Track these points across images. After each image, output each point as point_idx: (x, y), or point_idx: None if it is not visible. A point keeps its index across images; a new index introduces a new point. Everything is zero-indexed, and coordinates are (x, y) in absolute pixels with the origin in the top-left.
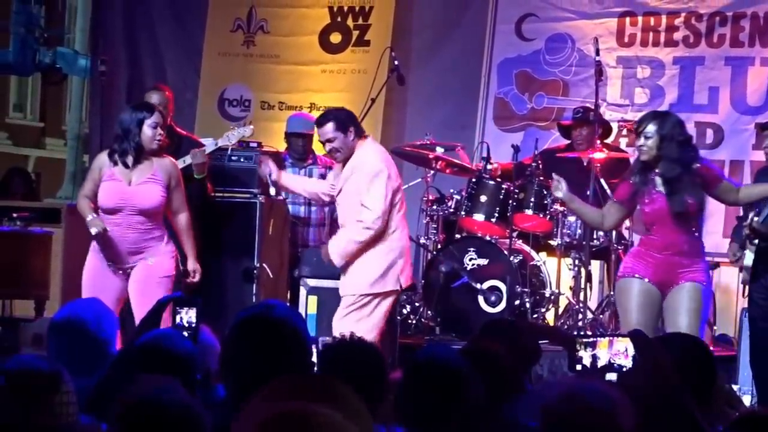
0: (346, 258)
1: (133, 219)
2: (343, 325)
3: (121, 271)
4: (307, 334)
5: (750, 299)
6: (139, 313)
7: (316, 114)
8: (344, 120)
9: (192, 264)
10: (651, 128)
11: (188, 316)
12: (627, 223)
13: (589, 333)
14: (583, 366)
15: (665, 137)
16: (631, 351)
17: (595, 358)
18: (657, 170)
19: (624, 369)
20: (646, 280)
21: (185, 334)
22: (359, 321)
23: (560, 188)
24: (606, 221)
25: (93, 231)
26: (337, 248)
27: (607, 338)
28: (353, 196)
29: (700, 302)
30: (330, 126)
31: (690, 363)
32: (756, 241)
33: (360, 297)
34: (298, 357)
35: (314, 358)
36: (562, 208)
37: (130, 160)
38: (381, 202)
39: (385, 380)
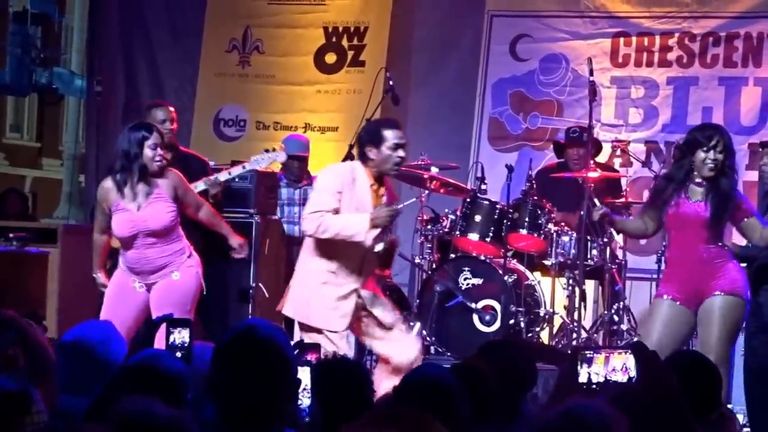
0: None
1: (149, 240)
2: None
3: (145, 287)
4: (290, 350)
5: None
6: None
7: (311, 134)
8: None
9: (234, 241)
10: None
11: (181, 336)
12: (620, 242)
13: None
14: (582, 383)
15: None
16: (629, 367)
17: (590, 375)
18: (696, 180)
19: (616, 383)
20: (677, 302)
21: (178, 354)
22: None
23: (604, 215)
24: (649, 227)
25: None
26: None
27: (603, 354)
28: None
29: (732, 312)
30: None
31: (694, 383)
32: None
33: None
34: (282, 374)
35: (300, 375)
36: (556, 228)
37: (133, 184)
38: None
39: (371, 397)
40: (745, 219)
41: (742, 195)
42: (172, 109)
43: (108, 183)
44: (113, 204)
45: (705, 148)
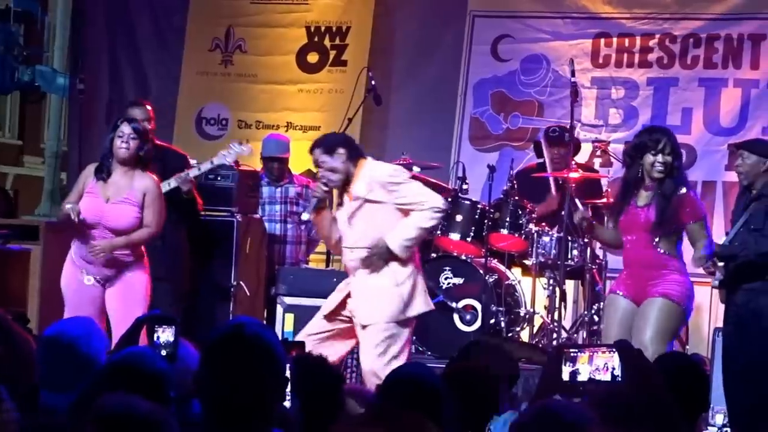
0: (407, 249)
1: (108, 236)
2: (381, 361)
3: (99, 283)
4: (280, 349)
5: (724, 318)
6: (118, 330)
7: (292, 133)
8: (331, 142)
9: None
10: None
11: (166, 334)
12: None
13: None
14: (565, 381)
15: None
16: (611, 366)
17: (575, 373)
18: (645, 184)
19: (600, 381)
20: (622, 294)
21: (163, 352)
22: (396, 357)
23: (584, 219)
24: (618, 240)
25: (65, 208)
26: (402, 236)
27: (587, 353)
28: (381, 211)
29: (668, 317)
30: (317, 152)
31: (683, 384)
32: (720, 264)
33: (392, 325)
34: (272, 373)
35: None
36: (537, 228)
37: (105, 172)
38: (428, 190)
39: (341, 393)
40: (691, 222)
41: (694, 198)
42: (149, 107)
43: (91, 167)
44: (89, 184)
45: (653, 152)
